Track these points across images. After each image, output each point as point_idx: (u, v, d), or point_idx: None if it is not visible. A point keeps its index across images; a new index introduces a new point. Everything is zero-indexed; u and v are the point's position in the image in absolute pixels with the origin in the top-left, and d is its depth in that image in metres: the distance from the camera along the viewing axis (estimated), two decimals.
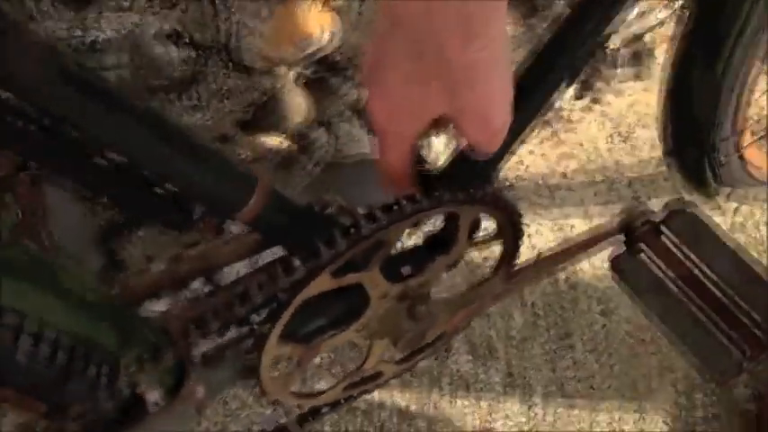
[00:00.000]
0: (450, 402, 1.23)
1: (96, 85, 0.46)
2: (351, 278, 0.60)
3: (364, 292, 0.63)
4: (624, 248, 0.83)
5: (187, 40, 0.90)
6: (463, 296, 0.76)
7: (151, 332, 0.59)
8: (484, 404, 1.23)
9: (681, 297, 0.79)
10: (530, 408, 1.23)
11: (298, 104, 1.04)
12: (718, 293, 0.77)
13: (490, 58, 0.42)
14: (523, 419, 1.22)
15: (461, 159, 0.60)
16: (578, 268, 1.36)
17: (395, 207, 0.57)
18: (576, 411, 1.22)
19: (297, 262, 0.57)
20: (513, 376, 1.25)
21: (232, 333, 0.59)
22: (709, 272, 0.78)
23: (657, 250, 0.81)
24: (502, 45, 0.42)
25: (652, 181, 1.46)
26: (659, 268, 0.80)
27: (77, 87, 0.45)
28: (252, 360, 0.62)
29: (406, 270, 0.66)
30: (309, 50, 0.95)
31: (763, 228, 1.39)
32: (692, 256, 0.79)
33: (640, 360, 1.26)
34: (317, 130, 1.15)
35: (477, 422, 1.21)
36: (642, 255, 0.82)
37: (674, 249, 0.80)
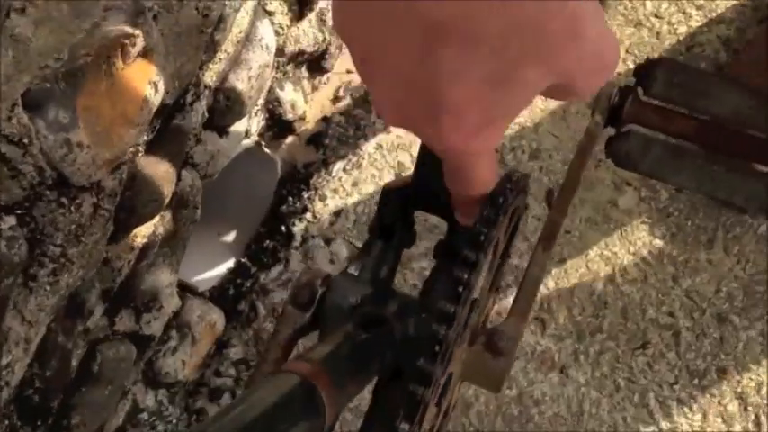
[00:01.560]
0: None
1: None
2: (441, 380, 0.49)
3: None
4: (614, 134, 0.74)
5: None
6: (522, 294, 0.66)
7: None
8: None
9: (695, 150, 0.72)
10: None
11: (157, 175, 0.81)
12: (731, 127, 0.71)
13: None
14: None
15: None
16: None
17: (460, 289, 0.44)
18: (567, 263, 1.21)
19: (405, 427, 0.45)
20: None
21: None
22: (712, 111, 0.71)
23: (648, 116, 0.72)
24: None
25: None
26: (659, 133, 0.73)
27: None
28: None
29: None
30: (151, 116, 0.71)
31: None
32: (687, 104, 0.72)
33: (590, 180, 1.24)
34: (183, 177, 0.92)
35: None
36: (636, 129, 0.74)
37: (664, 105, 0.73)
